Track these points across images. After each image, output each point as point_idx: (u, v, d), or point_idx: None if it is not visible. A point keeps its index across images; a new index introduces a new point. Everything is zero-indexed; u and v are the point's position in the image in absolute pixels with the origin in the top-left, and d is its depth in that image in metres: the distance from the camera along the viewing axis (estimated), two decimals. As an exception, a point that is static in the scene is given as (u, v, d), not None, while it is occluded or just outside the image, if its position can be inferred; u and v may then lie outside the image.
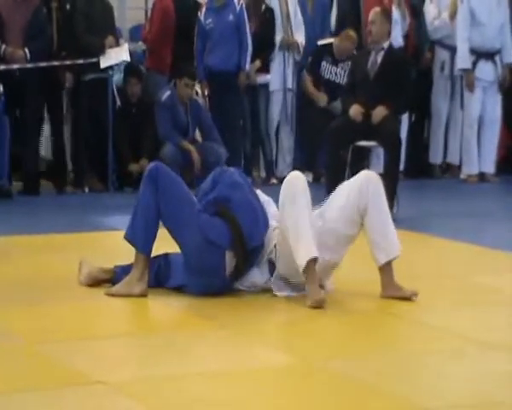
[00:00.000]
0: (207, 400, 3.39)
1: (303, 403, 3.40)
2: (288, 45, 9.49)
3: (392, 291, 4.68)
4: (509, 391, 3.59)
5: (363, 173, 4.93)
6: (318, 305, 4.45)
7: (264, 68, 9.46)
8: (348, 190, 4.82)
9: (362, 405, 3.34)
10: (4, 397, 3.30)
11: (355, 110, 7.33)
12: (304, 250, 4.60)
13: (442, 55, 9.89)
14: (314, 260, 4.55)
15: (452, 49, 9.79)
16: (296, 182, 4.75)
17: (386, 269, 4.68)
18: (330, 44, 8.25)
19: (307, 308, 4.47)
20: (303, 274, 4.56)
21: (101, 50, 8.64)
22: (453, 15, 9.70)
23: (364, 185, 4.78)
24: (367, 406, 3.35)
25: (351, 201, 4.73)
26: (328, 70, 7.77)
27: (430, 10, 9.88)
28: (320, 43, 8.39)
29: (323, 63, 7.96)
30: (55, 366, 3.80)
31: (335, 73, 7.78)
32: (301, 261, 4.55)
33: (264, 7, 9.43)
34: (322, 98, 7.53)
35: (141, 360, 4.10)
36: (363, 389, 3.54)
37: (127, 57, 8.94)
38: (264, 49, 9.37)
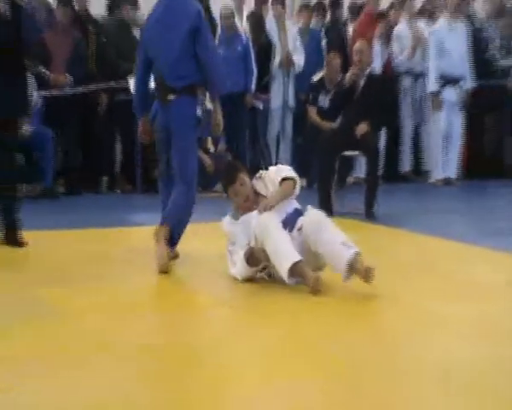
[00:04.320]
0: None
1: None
2: (285, 63, 9.41)
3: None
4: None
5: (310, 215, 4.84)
6: (314, 292, 4.48)
7: (263, 90, 9.45)
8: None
9: (351, 379, 3.36)
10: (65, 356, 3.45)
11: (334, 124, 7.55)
12: (286, 263, 4.58)
13: (406, 82, 9.88)
14: (299, 262, 4.57)
15: (414, 77, 9.89)
16: (265, 221, 4.71)
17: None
18: (322, 77, 8.26)
19: (309, 294, 4.47)
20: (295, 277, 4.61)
21: (130, 75, 8.34)
22: (414, 51, 9.71)
23: (309, 231, 4.71)
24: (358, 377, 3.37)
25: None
26: (324, 100, 7.82)
27: (395, 48, 9.83)
28: (315, 79, 8.36)
29: (321, 95, 8.02)
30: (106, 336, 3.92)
31: (326, 101, 7.86)
32: (285, 274, 4.55)
33: (263, 37, 9.42)
34: (325, 126, 7.69)
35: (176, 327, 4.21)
36: (347, 364, 3.55)
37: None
38: (262, 74, 9.33)
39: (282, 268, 4.59)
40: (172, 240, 5.45)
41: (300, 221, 4.84)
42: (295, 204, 5.01)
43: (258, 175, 5.10)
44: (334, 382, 3.30)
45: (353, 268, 4.49)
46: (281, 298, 4.55)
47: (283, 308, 4.41)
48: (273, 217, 4.76)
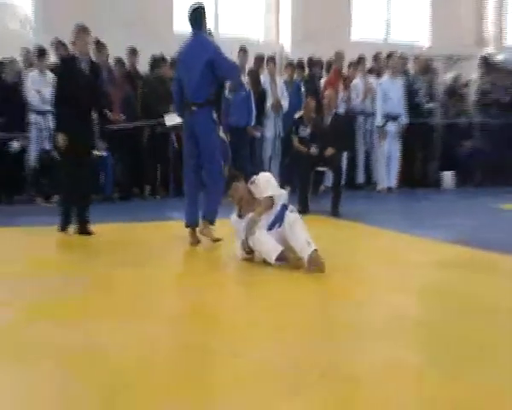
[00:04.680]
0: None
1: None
2: (275, 106, 9.36)
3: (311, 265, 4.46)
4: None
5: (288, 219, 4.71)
6: (298, 268, 4.50)
7: (259, 124, 9.35)
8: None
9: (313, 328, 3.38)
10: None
11: (312, 150, 7.47)
12: (273, 253, 4.60)
13: (360, 119, 9.83)
14: (282, 252, 4.58)
15: (366, 115, 9.81)
16: (256, 231, 4.70)
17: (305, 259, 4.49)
18: (302, 115, 8.03)
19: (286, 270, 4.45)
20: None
21: (164, 114, 8.29)
22: (365, 98, 9.70)
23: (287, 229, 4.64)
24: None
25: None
26: (304, 131, 7.77)
27: (352, 95, 9.74)
28: (296, 116, 8.14)
29: (301, 128, 7.85)
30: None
31: (307, 133, 7.76)
32: (273, 260, 4.57)
33: (259, 87, 9.33)
34: (304, 150, 7.70)
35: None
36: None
37: (180, 120, 8.69)
38: (258, 113, 9.25)
39: (271, 256, 4.61)
40: (211, 224, 5.51)
41: (285, 217, 4.72)
42: (282, 201, 4.87)
43: (251, 180, 4.96)
44: (294, 327, 3.36)
45: (312, 261, 4.44)
46: (266, 272, 4.55)
47: (268, 279, 4.42)
48: (261, 226, 4.72)
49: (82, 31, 5.84)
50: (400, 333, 3.35)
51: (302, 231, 4.62)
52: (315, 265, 4.45)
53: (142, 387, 2.63)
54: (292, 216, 4.72)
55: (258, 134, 9.46)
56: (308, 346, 3.09)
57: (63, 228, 5.96)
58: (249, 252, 4.85)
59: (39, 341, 3.17)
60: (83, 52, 5.87)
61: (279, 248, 4.61)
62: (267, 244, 4.67)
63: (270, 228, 4.76)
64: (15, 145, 8.21)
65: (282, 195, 4.93)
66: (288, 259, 4.62)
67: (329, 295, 4.17)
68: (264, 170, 9.38)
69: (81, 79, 5.79)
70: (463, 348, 3.11)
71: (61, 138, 5.78)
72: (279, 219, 4.74)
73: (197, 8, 5.51)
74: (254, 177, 5.00)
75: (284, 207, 4.82)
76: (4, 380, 2.76)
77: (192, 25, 5.51)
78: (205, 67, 5.33)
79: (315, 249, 4.50)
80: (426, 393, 2.61)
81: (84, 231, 5.91)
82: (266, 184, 4.91)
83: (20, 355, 3.01)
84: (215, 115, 5.54)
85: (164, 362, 2.93)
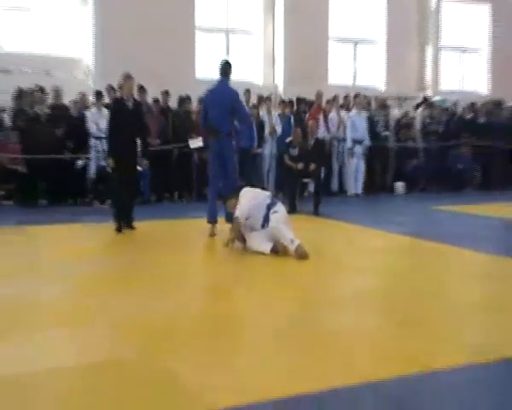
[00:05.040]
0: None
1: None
2: (271, 132, 9.22)
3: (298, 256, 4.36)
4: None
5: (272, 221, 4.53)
6: (285, 254, 4.42)
7: (259, 146, 9.18)
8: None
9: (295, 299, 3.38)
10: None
11: (299, 165, 7.41)
12: (267, 246, 4.50)
13: (335, 143, 9.58)
14: (273, 246, 4.48)
15: (339, 140, 9.59)
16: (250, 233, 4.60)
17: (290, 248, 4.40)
18: (291, 140, 7.81)
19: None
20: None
21: (189, 138, 8.16)
22: (338, 127, 9.53)
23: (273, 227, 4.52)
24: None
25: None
26: (293, 151, 7.63)
27: (329, 125, 9.54)
28: (287, 140, 7.92)
29: (290, 149, 7.71)
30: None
31: (295, 153, 7.65)
32: (268, 252, 4.46)
33: (259, 118, 9.18)
34: (294, 166, 7.70)
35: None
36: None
37: (202, 143, 8.48)
38: (259, 138, 9.12)
39: (266, 249, 4.48)
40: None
41: (271, 216, 4.54)
42: (267, 201, 4.65)
43: (241, 193, 4.81)
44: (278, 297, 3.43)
45: (299, 253, 4.37)
46: (266, 259, 4.49)
47: (267, 262, 4.39)
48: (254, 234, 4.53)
49: (127, 78, 5.82)
50: (362, 301, 3.41)
51: (286, 231, 4.47)
52: (301, 254, 4.41)
53: (175, 336, 2.72)
54: (274, 219, 4.52)
55: (259, 151, 9.34)
56: (292, 310, 3.17)
57: (119, 230, 5.78)
58: (241, 241, 4.71)
59: (96, 307, 3.20)
60: (128, 94, 5.84)
61: (270, 244, 4.50)
62: (260, 243, 4.55)
63: (263, 226, 4.63)
64: (80, 163, 8.25)
65: (265, 198, 4.71)
66: (278, 250, 4.52)
67: (310, 273, 4.14)
68: (263, 180, 9.46)
69: (127, 115, 5.78)
70: (408, 312, 3.17)
71: (111, 162, 5.80)
72: (266, 221, 4.62)
73: (226, 62, 5.72)
74: (245, 190, 4.84)
75: (268, 209, 4.61)
76: (67, 336, 2.77)
77: (221, 73, 5.64)
78: (229, 107, 5.46)
79: (299, 244, 4.42)
80: (381, 344, 2.68)
81: (129, 226, 5.87)
82: (241, 201, 4.69)
83: (83, 317, 3.02)
84: (233, 142, 5.81)
85: (190, 321, 3.01)
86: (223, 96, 5.52)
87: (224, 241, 4.84)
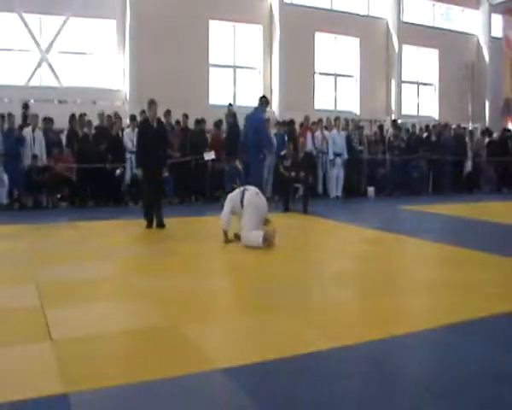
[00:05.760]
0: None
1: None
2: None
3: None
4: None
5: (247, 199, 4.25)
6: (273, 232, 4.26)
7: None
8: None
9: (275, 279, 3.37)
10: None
11: (291, 173, 7.32)
12: (258, 238, 4.23)
13: (319, 155, 9.29)
14: (264, 234, 4.23)
15: (322, 153, 9.36)
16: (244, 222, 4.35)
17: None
18: (285, 153, 7.65)
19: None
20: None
21: (204, 151, 8.21)
22: (322, 143, 9.30)
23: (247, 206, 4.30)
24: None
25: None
26: (286, 162, 7.38)
27: (315, 141, 9.34)
28: (282, 153, 7.76)
29: (284, 160, 7.55)
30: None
31: (288, 164, 7.58)
32: (261, 243, 4.21)
33: None
34: (287, 174, 7.68)
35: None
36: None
37: (214, 156, 8.39)
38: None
39: (258, 241, 4.22)
40: None
41: (245, 194, 4.32)
42: (240, 192, 4.41)
43: (245, 188, 4.62)
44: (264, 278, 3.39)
45: (265, 240, 4.20)
46: (265, 250, 4.33)
47: (261, 251, 4.24)
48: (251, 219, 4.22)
49: (152, 103, 5.69)
50: (340, 279, 3.41)
51: (253, 236, 4.16)
52: (268, 241, 4.26)
53: (195, 308, 2.77)
54: (246, 197, 4.25)
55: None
56: (285, 287, 3.12)
57: (149, 226, 5.66)
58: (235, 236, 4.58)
59: (134, 286, 3.22)
60: (153, 116, 5.71)
61: (260, 233, 4.24)
62: (252, 236, 4.30)
63: (242, 205, 4.35)
64: (118, 172, 8.25)
65: (238, 192, 4.45)
66: (268, 238, 4.23)
67: (299, 259, 4.12)
68: (262, 184, 9.36)
69: (152, 133, 5.65)
70: (378, 286, 3.20)
71: (140, 172, 5.75)
72: (242, 200, 4.41)
73: (263, 97, 6.52)
74: (240, 189, 4.64)
75: (242, 194, 4.37)
76: (113, 310, 2.79)
77: (258, 104, 6.43)
78: (255, 129, 6.12)
79: (263, 235, 4.20)
80: (355, 312, 2.76)
81: (160, 224, 5.68)
82: (224, 207, 4.49)
83: (122, 295, 3.05)
84: (261, 156, 6.32)
85: (205, 298, 3.02)
86: (254, 121, 6.24)
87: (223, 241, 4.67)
